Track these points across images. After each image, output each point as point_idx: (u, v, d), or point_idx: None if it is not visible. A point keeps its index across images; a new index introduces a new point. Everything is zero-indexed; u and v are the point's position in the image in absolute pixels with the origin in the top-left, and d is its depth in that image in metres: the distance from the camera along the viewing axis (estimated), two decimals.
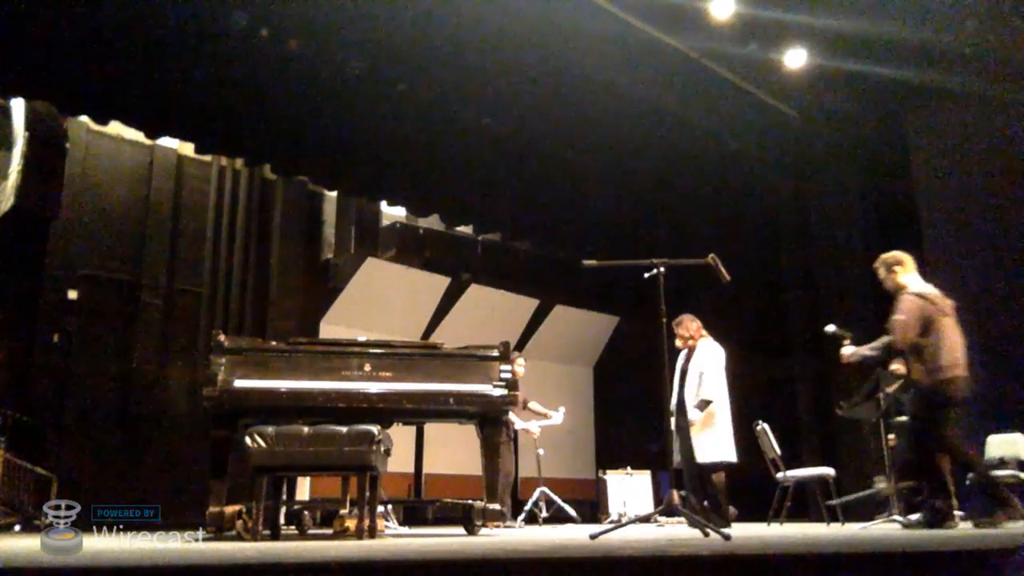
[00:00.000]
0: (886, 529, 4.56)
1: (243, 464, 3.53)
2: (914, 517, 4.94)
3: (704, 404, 5.46)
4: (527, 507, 7.26)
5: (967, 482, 6.02)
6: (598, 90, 7.57)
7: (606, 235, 9.29)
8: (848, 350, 4.77)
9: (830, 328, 5.14)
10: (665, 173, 8.84)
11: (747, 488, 7.40)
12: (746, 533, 4.30)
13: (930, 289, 4.63)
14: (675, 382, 5.65)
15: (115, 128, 8.21)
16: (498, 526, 5.41)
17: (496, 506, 4.19)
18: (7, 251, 7.68)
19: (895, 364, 4.82)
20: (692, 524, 4.78)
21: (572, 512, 7.07)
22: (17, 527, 6.15)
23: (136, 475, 7.74)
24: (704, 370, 5.55)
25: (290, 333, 6.13)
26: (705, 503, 5.38)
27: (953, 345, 4.46)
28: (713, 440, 5.46)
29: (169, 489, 7.48)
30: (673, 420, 5.49)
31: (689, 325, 5.72)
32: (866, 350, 4.72)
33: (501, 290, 9.91)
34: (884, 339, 4.62)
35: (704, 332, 5.75)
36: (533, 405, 7.11)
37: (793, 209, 8.89)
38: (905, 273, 4.68)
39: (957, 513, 5.03)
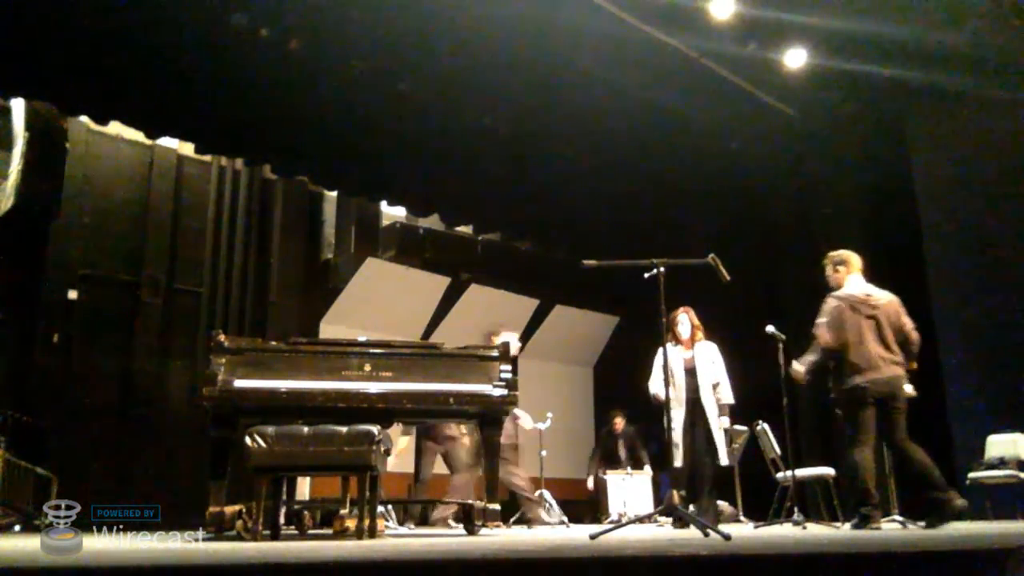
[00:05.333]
0: (886, 529, 4.56)
1: (243, 464, 3.53)
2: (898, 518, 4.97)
3: (732, 409, 5.47)
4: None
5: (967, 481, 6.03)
6: (598, 90, 7.56)
7: (606, 235, 9.28)
8: (797, 368, 4.78)
9: (769, 328, 5.42)
10: (665, 173, 8.83)
11: (747, 488, 7.43)
12: (745, 533, 4.30)
13: (862, 290, 4.66)
14: (680, 380, 5.46)
15: (115, 128, 8.20)
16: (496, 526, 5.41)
17: (496, 506, 4.18)
18: (7, 251, 7.67)
19: (794, 365, 4.84)
20: (685, 525, 4.79)
21: (550, 519, 7.00)
22: (17, 527, 6.15)
23: (136, 475, 7.73)
24: (721, 372, 5.51)
25: (290, 333, 6.12)
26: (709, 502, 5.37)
27: (869, 347, 4.49)
28: (722, 442, 5.46)
29: (169, 489, 7.48)
30: (682, 419, 5.40)
31: (695, 318, 5.69)
32: (808, 360, 4.74)
33: (501, 290, 9.91)
34: (815, 344, 4.69)
35: None
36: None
37: (793, 209, 8.88)
38: (848, 273, 4.73)
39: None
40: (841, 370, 4.56)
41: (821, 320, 4.63)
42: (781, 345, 5.38)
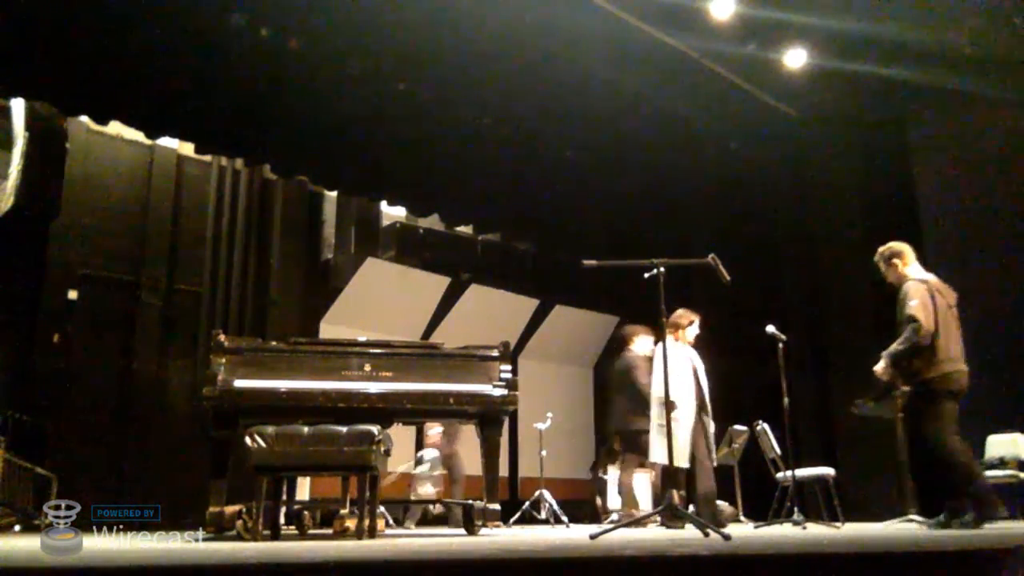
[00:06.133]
0: (889, 529, 4.56)
1: (243, 464, 3.54)
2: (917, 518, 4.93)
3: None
4: (524, 507, 7.29)
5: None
6: (598, 90, 7.56)
7: (606, 235, 9.28)
8: (879, 366, 4.45)
9: (769, 328, 5.36)
10: (665, 173, 8.83)
11: (748, 488, 7.43)
12: (745, 533, 4.30)
13: (933, 278, 4.52)
14: (689, 379, 5.40)
15: (115, 128, 8.20)
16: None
17: (496, 506, 4.18)
18: (7, 251, 7.67)
19: (877, 366, 4.49)
20: (677, 525, 4.78)
21: (564, 517, 7.04)
22: (17, 527, 6.15)
23: (136, 475, 7.73)
24: (703, 375, 5.53)
25: (290, 333, 6.12)
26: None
27: (956, 337, 4.37)
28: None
29: (169, 489, 7.48)
30: (693, 417, 5.33)
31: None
32: (895, 350, 4.38)
33: (501, 290, 9.91)
34: (906, 333, 4.32)
35: None
36: None
37: (793, 209, 8.88)
38: (906, 265, 4.56)
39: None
40: (928, 358, 4.29)
41: (914, 302, 4.28)
42: (781, 345, 5.38)
